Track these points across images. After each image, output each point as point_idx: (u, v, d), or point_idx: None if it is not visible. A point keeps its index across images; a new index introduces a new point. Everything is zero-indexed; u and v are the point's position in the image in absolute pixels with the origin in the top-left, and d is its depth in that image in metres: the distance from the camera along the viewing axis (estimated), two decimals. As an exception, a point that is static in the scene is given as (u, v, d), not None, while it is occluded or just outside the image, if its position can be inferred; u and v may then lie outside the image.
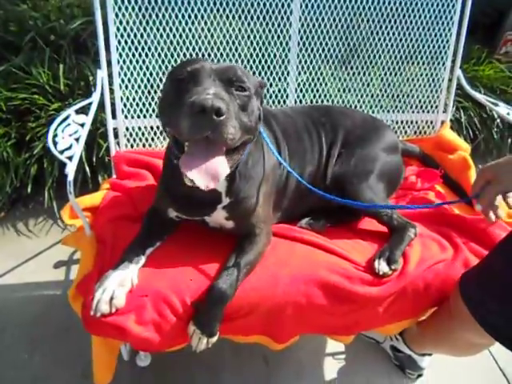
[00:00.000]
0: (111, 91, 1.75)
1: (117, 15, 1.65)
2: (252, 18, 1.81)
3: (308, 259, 1.35)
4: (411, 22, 1.93)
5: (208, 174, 1.01)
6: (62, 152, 1.27)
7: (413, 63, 2.00)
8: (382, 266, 1.32)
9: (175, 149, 1.10)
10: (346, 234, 1.51)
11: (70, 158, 1.25)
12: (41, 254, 2.25)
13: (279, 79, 1.95)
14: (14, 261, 2.18)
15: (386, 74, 2.04)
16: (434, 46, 1.98)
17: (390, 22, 1.92)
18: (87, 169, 2.26)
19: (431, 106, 2.09)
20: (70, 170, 1.20)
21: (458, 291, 1.27)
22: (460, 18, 1.93)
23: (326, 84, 2.02)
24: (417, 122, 2.11)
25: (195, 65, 1.07)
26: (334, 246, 1.40)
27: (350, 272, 1.33)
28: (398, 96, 2.07)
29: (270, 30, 1.84)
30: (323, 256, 1.37)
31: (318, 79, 1.99)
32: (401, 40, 1.96)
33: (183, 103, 0.99)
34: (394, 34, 1.95)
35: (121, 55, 1.71)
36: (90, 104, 1.58)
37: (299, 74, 1.96)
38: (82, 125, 1.40)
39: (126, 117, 1.79)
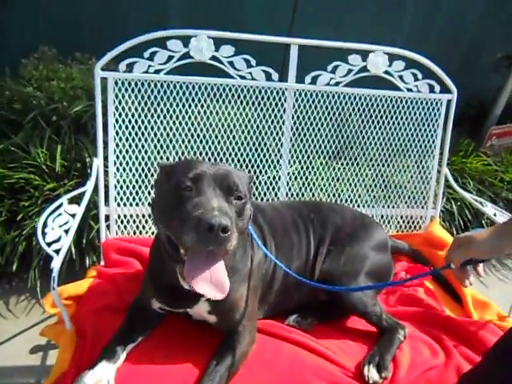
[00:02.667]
0: (105, 176, 1.78)
1: (116, 108, 1.73)
2: (248, 104, 1.89)
3: (295, 362, 1.29)
4: (398, 123, 2.03)
5: (215, 284, 1.04)
6: (49, 244, 1.26)
7: (401, 161, 2.08)
8: (371, 374, 1.27)
9: (170, 249, 1.10)
10: (334, 334, 1.47)
11: (57, 252, 1.24)
12: (18, 336, 2.16)
13: (273, 167, 2.00)
14: (-11, 343, 2.09)
15: (377, 169, 2.10)
16: (421, 146, 2.07)
17: (378, 120, 2.02)
18: (73, 250, 2.23)
19: (420, 202, 2.14)
20: (56, 264, 1.19)
21: None
22: (445, 120, 2.04)
23: (317, 175, 2.07)
24: (407, 217, 2.15)
25: (195, 170, 1.09)
26: (321, 348, 1.35)
27: (338, 379, 1.27)
28: (388, 191, 2.12)
29: (266, 120, 1.92)
30: (311, 358, 1.32)
31: (310, 172, 2.05)
32: (390, 138, 2.06)
33: (187, 215, 1.01)
34: (382, 132, 2.04)
35: (117, 145, 1.76)
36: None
37: (291, 165, 2.02)
38: (73, 215, 1.40)
39: (118, 204, 1.81)
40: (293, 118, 1.90)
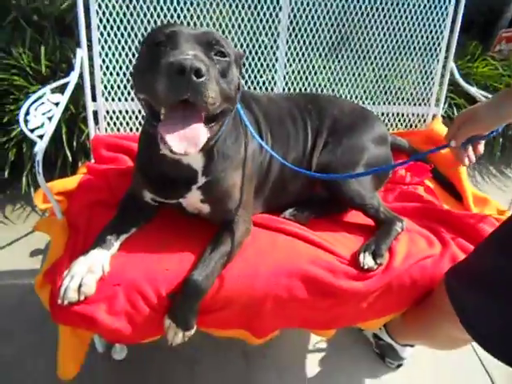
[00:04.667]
0: (92, 72, 1.67)
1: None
2: (243, 5, 1.74)
3: (290, 251, 1.30)
4: (404, 16, 1.88)
5: (187, 139, 0.95)
6: (32, 130, 1.20)
7: (405, 55, 1.95)
8: (367, 260, 1.27)
9: (150, 118, 1.03)
10: (331, 227, 1.46)
11: (41, 137, 1.18)
12: (17, 242, 2.17)
13: (269, 70, 1.89)
14: (-12, 249, 2.10)
15: (377, 66, 1.98)
16: (427, 38, 1.93)
17: (382, 11, 1.86)
18: (68, 153, 2.17)
19: (423, 100, 2.04)
20: (40, 148, 1.13)
21: (444, 286, 1.23)
22: (454, 11, 1.89)
23: (315, 73, 1.96)
24: (408, 115, 2.07)
25: (172, 28, 1.01)
26: (318, 238, 1.35)
27: (333, 265, 1.27)
28: (389, 88, 2.02)
29: (261, 19, 1.78)
30: (306, 248, 1.32)
31: (307, 68, 1.93)
32: (393, 31, 1.91)
33: (160, 66, 0.93)
34: (386, 24, 1.89)
35: (102, 34, 1.63)
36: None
37: (289, 64, 1.89)
38: (57, 104, 1.32)
39: (106, 99, 1.71)
40: (290, 3, 1.75)
